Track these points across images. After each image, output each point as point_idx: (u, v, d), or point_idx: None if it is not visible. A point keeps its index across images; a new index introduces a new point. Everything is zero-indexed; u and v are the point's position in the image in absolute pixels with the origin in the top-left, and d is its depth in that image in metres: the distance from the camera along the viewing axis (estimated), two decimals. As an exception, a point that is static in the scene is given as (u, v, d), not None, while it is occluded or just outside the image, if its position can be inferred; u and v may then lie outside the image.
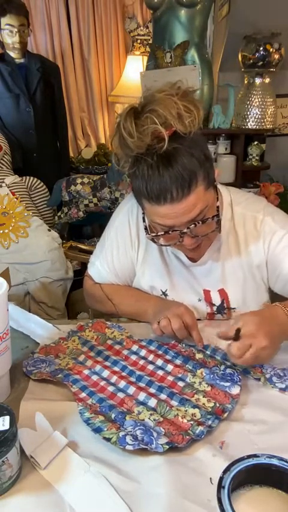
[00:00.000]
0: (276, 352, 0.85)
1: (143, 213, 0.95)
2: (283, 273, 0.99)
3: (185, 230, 0.85)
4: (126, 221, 1.08)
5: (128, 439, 0.67)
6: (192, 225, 0.85)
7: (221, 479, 0.50)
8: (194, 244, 0.90)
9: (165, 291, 1.07)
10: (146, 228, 0.94)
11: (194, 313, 0.99)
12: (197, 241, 0.90)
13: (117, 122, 0.83)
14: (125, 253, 1.09)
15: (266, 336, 0.79)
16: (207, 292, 1.06)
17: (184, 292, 1.06)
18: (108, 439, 0.68)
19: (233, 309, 1.06)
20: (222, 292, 1.04)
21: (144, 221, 0.95)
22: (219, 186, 1.00)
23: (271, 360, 0.87)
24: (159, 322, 0.93)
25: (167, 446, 0.66)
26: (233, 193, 1.04)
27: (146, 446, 0.66)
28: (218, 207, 0.90)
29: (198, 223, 0.85)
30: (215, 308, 1.07)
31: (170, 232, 0.87)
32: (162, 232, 0.88)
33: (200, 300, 1.07)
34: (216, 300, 1.05)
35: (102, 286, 1.14)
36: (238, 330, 0.81)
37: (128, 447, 0.66)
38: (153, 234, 0.90)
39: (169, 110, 0.78)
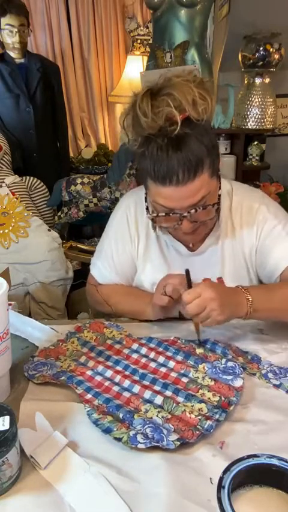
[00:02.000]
0: (226, 319, 0.88)
1: (146, 193, 0.97)
2: (270, 262, 1.02)
3: (185, 214, 0.88)
4: (124, 218, 1.10)
5: (139, 437, 0.67)
6: (193, 210, 0.87)
7: (221, 479, 0.50)
8: (191, 229, 0.92)
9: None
10: (147, 208, 0.96)
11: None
12: (194, 226, 0.92)
13: (131, 102, 0.86)
14: (124, 250, 1.11)
15: (217, 293, 0.85)
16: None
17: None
18: (119, 439, 0.68)
19: None
20: (220, 281, 1.06)
21: (146, 201, 0.97)
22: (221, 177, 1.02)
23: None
24: (165, 293, 0.94)
25: (178, 443, 0.67)
26: (233, 184, 1.08)
27: (158, 444, 0.66)
28: (219, 195, 0.93)
29: (199, 208, 0.88)
30: None
31: (170, 214, 0.89)
32: (163, 214, 0.90)
33: None
34: None
35: (100, 288, 1.15)
36: (186, 271, 0.90)
37: (140, 446, 0.66)
38: (154, 215, 0.92)
39: (185, 95, 0.81)
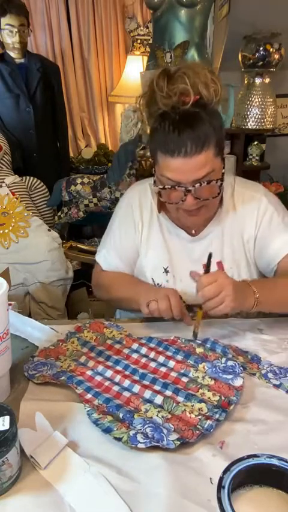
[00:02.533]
0: (236, 308, 0.92)
1: (154, 170, 1.01)
2: (268, 252, 1.08)
3: (190, 188, 0.93)
4: (129, 207, 1.16)
5: (139, 437, 0.67)
6: (198, 184, 0.93)
7: (221, 479, 0.50)
8: (194, 206, 0.96)
9: (167, 267, 1.13)
10: (154, 182, 1.01)
11: (193, 290, 1.06)
12: (197, 204, 0.96)
13: (149, 82, 0.94)
14: (128, 236, 1.16)
15: (231, 281, 0.90)
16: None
17: (184, 269, 1.12)
18: (119, 439, 0.68)
19: None
20: (220, 265, 1.11)
21: (154, 175, 1.02)
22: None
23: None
24: (148, 305, 0.98)
25: (178, 442, 0.67)
26: (236, 178, 1.14)
27: (158, 444, 0.66)
28: (223, 173, 0.98)
29: (204, 183, 0.93)
30: None
31: (176, 187, 0.94)
32: (169, 186, 0.95)
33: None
34: None
35: (104, 274, 1.21)
36: (210, 254, 0.94)
37: (140, 445, 0.66)
38: (161, 187, 0.97)
39: (199, 75, 0.91)
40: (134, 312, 1.13)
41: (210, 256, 0.95)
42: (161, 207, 1.12)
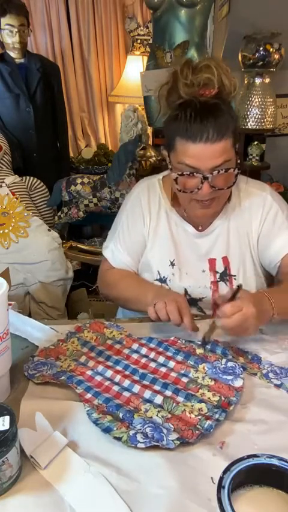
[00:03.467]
0: (256, 331, 0.93)
1: (169, 159, 1.03)
2: (271, 250, 1.10)
3: (208, 175, 0.95)
4: (138, 201, 1.17)
5: (139, 437, 0.67)
6: (215, 171, 0.95)
7: (221, 479, 0.50)
8: (208, 196, 0.98)
9: (173, 260, 1.14)
10: (171, 169, 1.02)
11: (199, 284, 1.12)
12: (211, 194, 0.98)
13: (171, 73, 0.98)
14: (136, 229, 1.17)
15: (256, 308, 0.87)
16: (212, 261, 1.13)
17: (190, 263, 1.14)
18: (118, 439, 0.68)
19: (234, 276, 1.13)
20: (225, 260, 1.12)
21: (169, 161, 1.03)
22: None
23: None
24: (155, 305, 0.96)
25: (178, 442, 0.67)
26: (242, 176, 1.14)
27: (158, 443, 0.66)
28: (238, 163, 0.99)
29: (222, 170, 0.95)
30: (218, 276, 1.13)
31: (194, 174, 0.95)
32: (188, 172, 0.96)
33: (204, 271, 1.13)
34: (220, 267, 1.13)
35: (112, 271, 1.21)
36: (238, 287, 0.91)
37: (140, 445, 0.66)
38: (179, 173, 0.97)
39: (221, 68, 0.95)
40: (139, 312, 1.13)
41: (239, 287, 0.91)
42: (174, 199, 1.12)
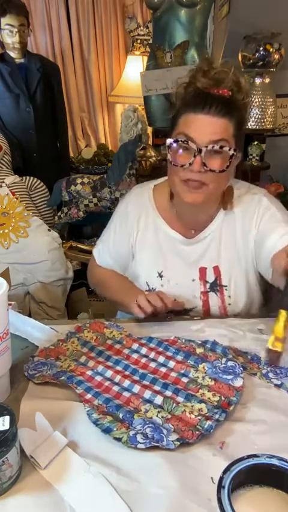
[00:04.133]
0: None
1: (166, 144, 1.01)
2: (265, 247, 1.03)
3: (203, 148, 0.93)
4: (126, 213, 1.17)
5: (139, 437, 0.67)
6: (211, 145, 0.94)
7: (221, 479, 0.50)
8: (199, 175, 0.96)
9: (161, 272, 1.13)
10: (167, 145, 1.00)
11: (188, 294, 1.11)
12: (202, 176, 0.96)
13: (191, 69, 1.00)
14: (122, 243, 1.18)
15: None
16: (202, 270, 1.11)
17: (179, 273, 1.12)
18: (118, 439, 0.68)
19: (225, 286, 1.11)
20: (216, 270, 1.11)
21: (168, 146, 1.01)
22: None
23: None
24: (137, 301, 1.00)
25: (178, 443, 0.67)
26: (234, 180, 1.13)
27: (158, 444, 0.66)
28: (235, 149, 0.97)
29: (216, 146, 0.94)
30: (208, 285, 1.11)
31: (189, 142, 0.94)
32: (183, 139, 0.95)
33: (194, 280, 1.12)
34: (210, 277, 1.11)
35: (100, 270, 1.25)
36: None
37: (140, 446, 0.66)
38: (174, 139, 0.97)
39: (237, 69, 0.97)
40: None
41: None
42: (171, 199, 1.12)
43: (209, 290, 1.11)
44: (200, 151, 0.93)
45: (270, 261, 0.97)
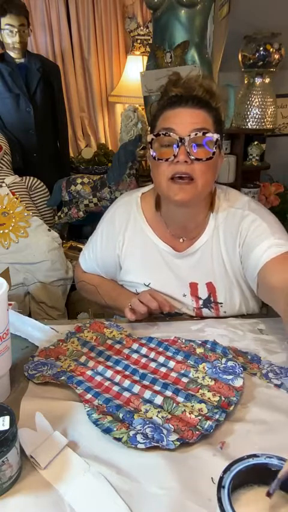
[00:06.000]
0: None
1: (147, 141, 1.00)
2: (251, 259, 0.99)
3: (185, 137, 0.92)
4: (112, 222, 1.15)
5: (139, 437, 0.67)
6: (193, 133, 0.92)
7: (221, 479, 0.50)
8: (186, 167, 0.93)
9: (148, 284, 1.11)
10: (151, 141, 0.99)
11: (180, 307, 1.09)
12: (189, 168, 0.93)
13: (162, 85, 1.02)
14: (109, 248, 1.16)
15: None
16: (194, 285, 1.08)
17: (168, 285, 1.09)
18: (118, 439, 0.68)
19: (220, 303, 1.08)
20: (210, 286, 1.07)
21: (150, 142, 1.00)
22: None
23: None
24: (130, 306, 1.01)
25: (178, 443, 0.67)
26: (222, 190, 1.11)
27: (158, 444, 0.66)
28: (218, 139, 0.96)
29: (200, 132, 0.93)
30: (201, 302, 1.08)
31: (170, 134, 0.93)
32: (164, 132, 0.94)
33: (185, 296, 1.09)
34: (203, 293, 1.08)
35: (87, 277, 1.24)
36: None
37: (140, 446, 0.66)
38: (154, 134, 0.97)
39: (204, 77, 1.00)
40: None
41: None
42: (156, 206, 1.09)
43: (202, 306, 1.09)
44: (182, 141, 0.92)
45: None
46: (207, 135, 0.93)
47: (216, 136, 0.94)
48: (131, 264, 1.13)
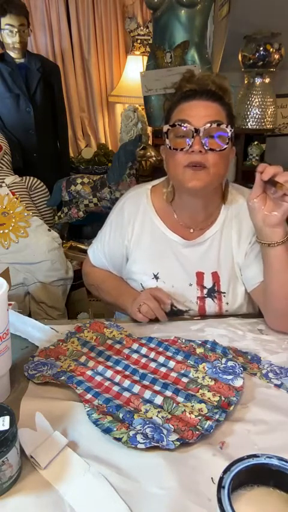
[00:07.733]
0: None
1: (164, 131, 1.02)
2: (251, 269, 1.06)
3: (200, 128, 0.95)
4: (121, 215, 1.16)
5: (139, 437, 0.67)
6: (208, 125, 0.95)
7: (221, 479, 0.50)
8: (200, 156, 0.96)
9: (157, 274, 1.12)
10: (166, 134, 1.02)
11: (184, 298, 1.10)
12: (204, 157, 0.96)
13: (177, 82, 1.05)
14: (117, 239, 1.17)
15: None
16: (200, 275, 1.10)
17: (176, 275, 1.11)
18: (118, 439, 0.68)
19: (223, 293, 1.10)
20: (215, 275, 1.09)
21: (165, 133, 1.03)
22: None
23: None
24: (140, 310, 1.03)
25: (178, 443, 0.67)
26: (235, 188, 1.14)
27: (158, 444, 0.66)
28: (231, 130, 0.99)
29: (214, 124, 0.96)
30: (205, 291, 1.10)
31: (186, 125, 0.96)
32: (179, 123, 0.97)
33: (191, 285, 1.10)
34: (208, 282, 1.10)
35: (94, 271, 1.26)
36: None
37: (140, 446, 0.66)
38: (171, 124, 0.99)
39: (217, 74, 1.05)
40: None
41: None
42: (169, 197, 1.11)
43: (206, 296, 1.10)
44: (198, 131, 0.95)
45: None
46: (221, 126, 0.97)
47: (229, 129, 0.98)
48: (139, 254, 1.14)
